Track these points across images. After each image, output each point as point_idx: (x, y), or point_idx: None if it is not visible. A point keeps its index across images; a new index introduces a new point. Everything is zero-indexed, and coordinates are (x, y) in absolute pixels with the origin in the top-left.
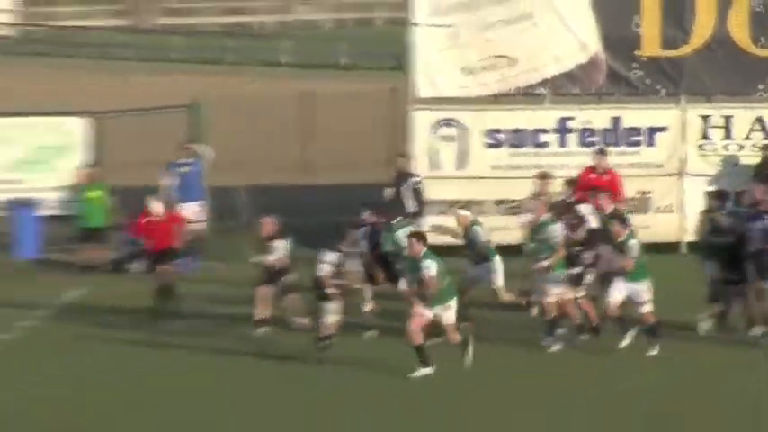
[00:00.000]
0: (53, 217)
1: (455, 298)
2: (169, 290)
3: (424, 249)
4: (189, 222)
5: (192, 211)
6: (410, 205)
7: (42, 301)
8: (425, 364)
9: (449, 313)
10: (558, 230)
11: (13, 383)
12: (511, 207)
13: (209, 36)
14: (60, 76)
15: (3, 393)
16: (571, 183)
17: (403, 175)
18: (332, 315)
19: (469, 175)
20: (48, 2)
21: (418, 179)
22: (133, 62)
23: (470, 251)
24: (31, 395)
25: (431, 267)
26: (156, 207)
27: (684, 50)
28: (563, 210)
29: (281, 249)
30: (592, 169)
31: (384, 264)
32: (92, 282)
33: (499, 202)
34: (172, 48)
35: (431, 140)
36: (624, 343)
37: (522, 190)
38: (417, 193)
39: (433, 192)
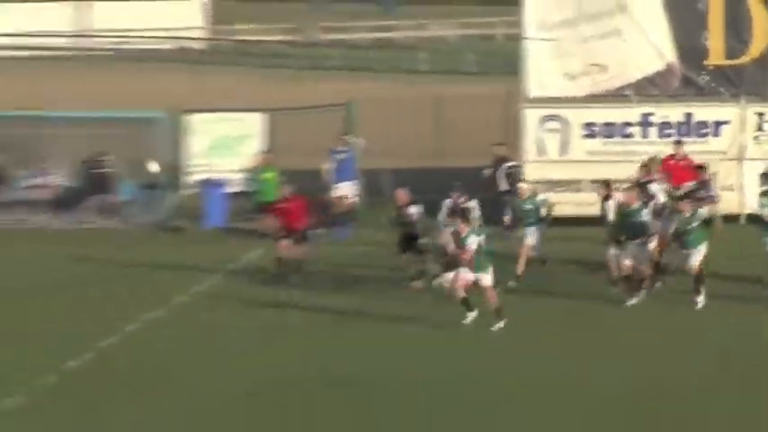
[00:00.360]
0: (236, 193)
1: (491, 268)
2: (288, 262)
3: (468, 228)
4: (345, 198)
5: (346, 188)
6: (502, 185)
7: (229, 258)
8: (470, 310)
9: (486, 278)
10: (646, 215)
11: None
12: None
13: (361, 49)
14: (241, 81)
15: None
16: (644, 166)
17: (500, 161)
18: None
19: (570, 159)
20: (231, 20)
21: (512, 164)
22: (299, 70)
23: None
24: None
25: (472, 243)
26: (286, 191)
27: (743, 60)
28: (638, 188)
29: (415, 213)
30: (671, 156)
31: None
32: (268, 245)
33: (594, 182)
34: (330, 58)
35: (538, 132)
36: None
37: (612, 171)
38: (510, 176)
39: (540, 173)
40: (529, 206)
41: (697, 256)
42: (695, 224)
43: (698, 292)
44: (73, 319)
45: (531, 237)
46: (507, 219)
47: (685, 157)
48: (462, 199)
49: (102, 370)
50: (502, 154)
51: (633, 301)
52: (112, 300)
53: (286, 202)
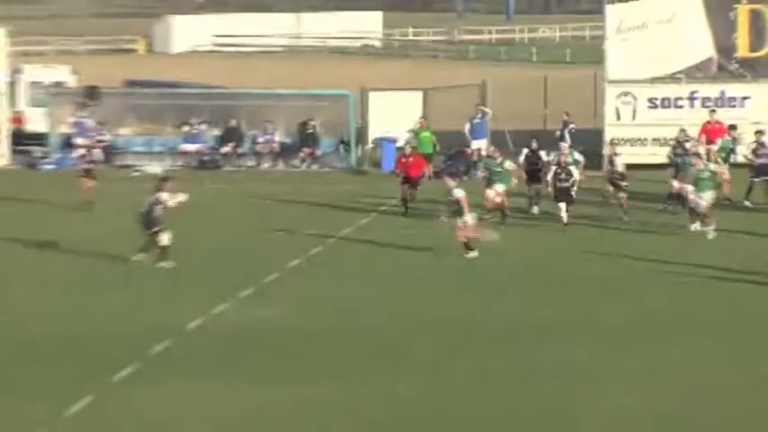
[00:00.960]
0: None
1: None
2: (408, 200)
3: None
4: (479, 150)
5: (480, 143)
6: (566, 141)
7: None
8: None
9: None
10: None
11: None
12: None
13: (490, 45)
14: (405, 68)
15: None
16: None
17: (566, 124)
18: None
19: (638, 123)
20: (399, 25)
21: (574, 126)
22: (446, 60)
23: None
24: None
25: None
26: (408, 149)
27: (762, 53)
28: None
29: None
30: (708, 123)
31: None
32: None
33: (655, 140)
34: (468, 52)
35: (616, 104)
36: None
37: (667, 132)
38: (571, 135)
39: (616, 132)
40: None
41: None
42: (705, 175)
43: (706, 225)
44: (299, 225)
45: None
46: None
47: (718, 121)
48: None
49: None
50: (566, 119)
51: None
52: (319, 216)
53: (407, 159)
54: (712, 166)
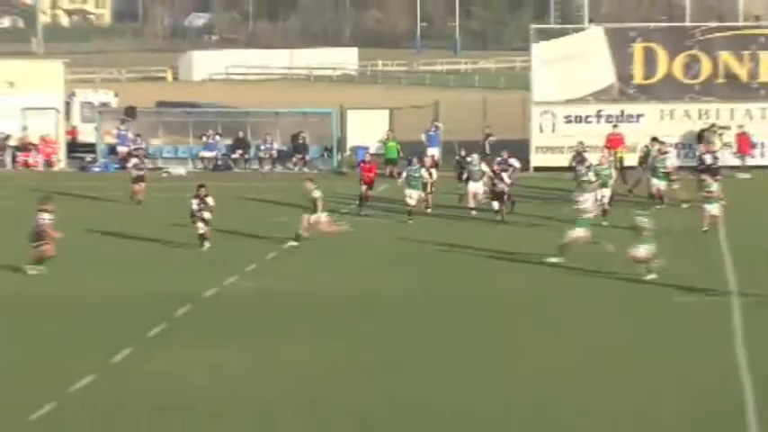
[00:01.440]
0: (372, 154)
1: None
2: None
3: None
4: (432, 156)
5: (433, 151)
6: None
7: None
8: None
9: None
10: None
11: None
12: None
13: (441, 74)
14: (376, 92)
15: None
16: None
17: (487, 136)
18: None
19: (557, 135)
20: (370, 58)
21: (493, 138)
22: (407, 85)
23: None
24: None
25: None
26: (367, 156)
27: (653, 80)
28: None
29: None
30: (611, 134)
31: None
32: (388, 182)
33: (569, 148)
34: (424, 78)
35: (540, 120)
36: None
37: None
38: (491, 145)
39: (539, 142)
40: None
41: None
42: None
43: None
44: (293, 214)
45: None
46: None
47: (618, 134)
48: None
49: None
50: (487, 132)
51: None
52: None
53: (367, 164)
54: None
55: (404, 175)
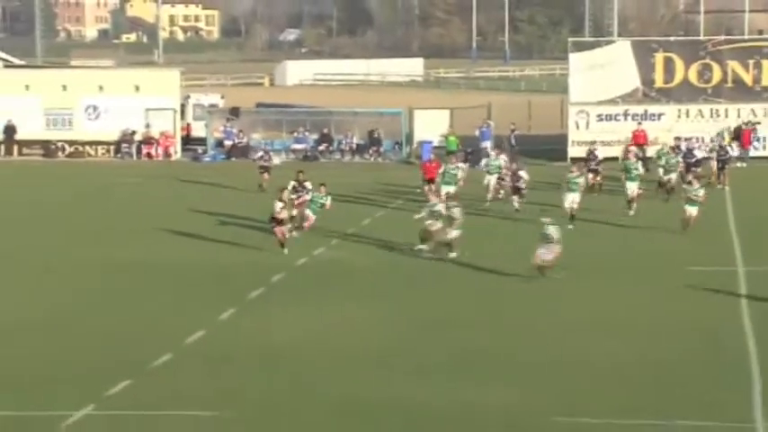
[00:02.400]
0: (436, 147)
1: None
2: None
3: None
4: (486, 148)
5: (487, 143)
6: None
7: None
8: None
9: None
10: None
11: None
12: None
13: (493, 80)
14: (438, 95)
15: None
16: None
17: (512, 131)
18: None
19: (591, 131)
20: (433, 67)
21: (518, 132)
22: (466, 89)
23: None
24: None
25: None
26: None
27: (672, 84)
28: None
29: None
30: (636, 130)
31: None
32: None
33: (602, 142)
34: (480, 83)
35: (576, 118)
36: None
37: (610, 137)
38: (516, 138)
39: (575, 137)
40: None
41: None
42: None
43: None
44: (369, 194)
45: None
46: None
47: (643, 130)
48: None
49: (394, 215)
50: (513, 128)
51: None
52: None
53: (430, 163)
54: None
55: (483, 162)
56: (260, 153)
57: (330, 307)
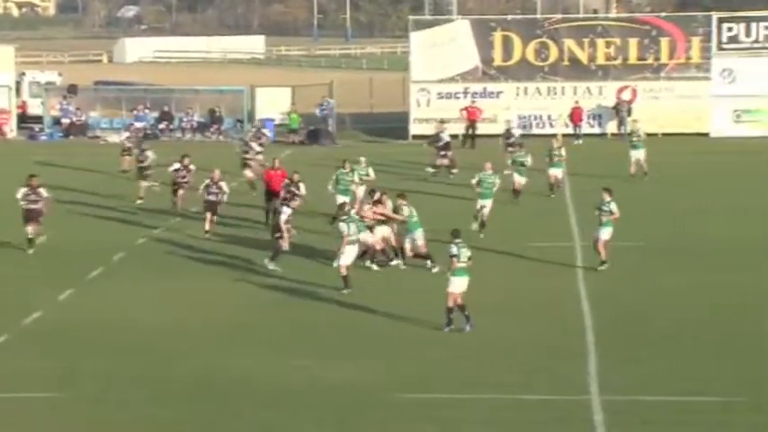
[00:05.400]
0: (278, 124)
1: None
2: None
3: None
4: (326, 128)
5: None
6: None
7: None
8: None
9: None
10: None
11: None
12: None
13: (334, 58)
14: (279, 73)
15: None
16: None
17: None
18: None
19: (431, 109)
20: (276, 45)
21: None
22: (307, 67)
23: None
24: None
25: None
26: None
27: (510, 63)
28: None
29: None
30: (468, 106)
31: None
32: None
33: (441, 119)
34: (321, 61)
35: (417, 96)
36: None
37: (449, 114)
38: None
39: (416, 114)
40: None
41: None
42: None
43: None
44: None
45: None
46: None
47: (476, 107)
48: None
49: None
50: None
51: None
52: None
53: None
54: None
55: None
56: (176, 165)
57: (168, 284)
